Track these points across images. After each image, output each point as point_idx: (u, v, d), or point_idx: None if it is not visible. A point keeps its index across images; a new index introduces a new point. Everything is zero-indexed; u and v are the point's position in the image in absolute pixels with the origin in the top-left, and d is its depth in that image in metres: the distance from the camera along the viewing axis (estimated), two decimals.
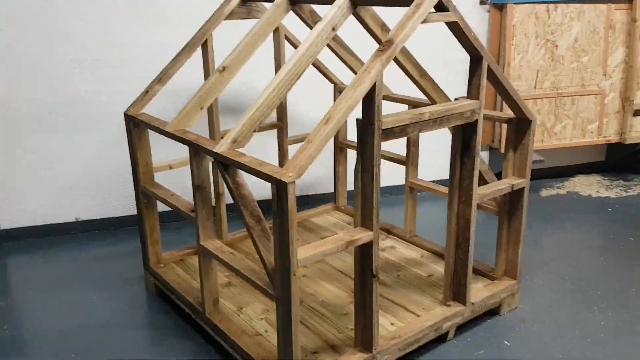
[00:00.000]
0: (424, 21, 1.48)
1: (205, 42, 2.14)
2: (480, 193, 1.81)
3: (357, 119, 1.49)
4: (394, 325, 1.84)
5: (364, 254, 1.57)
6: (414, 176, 2.34)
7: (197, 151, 1.71)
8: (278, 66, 2.37)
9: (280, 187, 1.34)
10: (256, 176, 1.43)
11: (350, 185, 2.91)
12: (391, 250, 2.35)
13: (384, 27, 1.84)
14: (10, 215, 2.70)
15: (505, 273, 2.07)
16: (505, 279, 2.06)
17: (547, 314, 2.05)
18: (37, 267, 2.49)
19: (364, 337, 1.66)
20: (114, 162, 2.73)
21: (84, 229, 2.80)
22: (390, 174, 2.75)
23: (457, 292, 1.90)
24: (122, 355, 1.87)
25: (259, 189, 2.92)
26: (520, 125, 1.90)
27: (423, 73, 1.95)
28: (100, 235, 2.78)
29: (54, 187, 2.71)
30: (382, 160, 1.57)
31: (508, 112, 1.91)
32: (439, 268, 2.19)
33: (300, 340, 1.51)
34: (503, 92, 1.79)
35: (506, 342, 1.90)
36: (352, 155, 2.62)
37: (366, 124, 1.47)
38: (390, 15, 1.88)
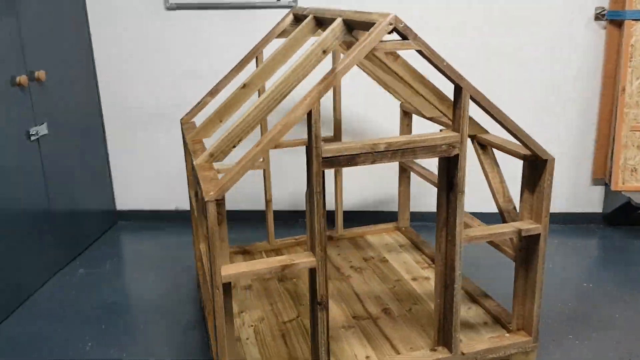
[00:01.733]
0: (373, 50, 1.41)
1: (257, 58, 2.27)
2: (470, 235, 1.65)
3: (306, 147, 1.48)
4: (369, 359, 1.77)
5: (311, 280, 1.56)
6: None
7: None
8: None
9: (203, 205, 1.42)
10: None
11: (413, 207, 2.81)
12: (423, 281, 2.23)
13: (390, 53, 1.77)
14: (124, 199, 3.16)
15: (521, 328, 1.84)
16: (520, 333, 1.83)
17: None
18: (143, 244, 2.90)
19: None
20: None
21: (181, 217, 3.16)
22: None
23: (445, 338, 1.75)
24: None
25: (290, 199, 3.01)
26: (536, 164, 1.67)
27: (443, 98, 1.83)
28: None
29: (159, 178, 3.10)
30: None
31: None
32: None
33: (239, 354, 1.56)
34: (503, 126, 1.60)
35: None
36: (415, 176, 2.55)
37: (309, 151, 1.46)
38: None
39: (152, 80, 2.93)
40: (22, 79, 2.30)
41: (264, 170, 2.46)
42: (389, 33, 1.45)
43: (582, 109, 2.78)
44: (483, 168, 1.91)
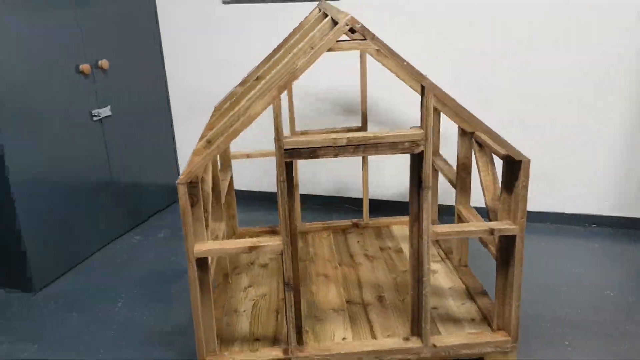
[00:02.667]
0: (331, 50, 1.49)
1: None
2: (438, 231, 1.68)
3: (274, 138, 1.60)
4: (345, 340, 1.87)
5: (282, 262, 1.69)
6: (463, 202, 2.18)
7: None
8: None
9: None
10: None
11: (441, 199, 2.80)
12: (431, 274, 2.26)
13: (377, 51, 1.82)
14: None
15: (501, 327, 1.83)
16: (499, 333, 1.83)
17: None
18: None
19: (288, 341, 1.77)
20: None
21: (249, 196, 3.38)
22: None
23: (418, 329, 1.80)
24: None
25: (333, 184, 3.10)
26: (513, 165, 1.66)
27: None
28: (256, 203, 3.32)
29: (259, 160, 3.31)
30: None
31: None
32: (452, 302, 2.05)
33: (208, 324, 1.74)
34: (473, 126, 1.61)
35: None
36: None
37: (275, 142, 1.58)
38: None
39: (215, 68, 3.17)
40: (85, 67, 2.62)
41: None
42: (352, 33, 1.52)
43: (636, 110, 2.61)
44: (477, 165, 1.91)
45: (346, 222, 2.68)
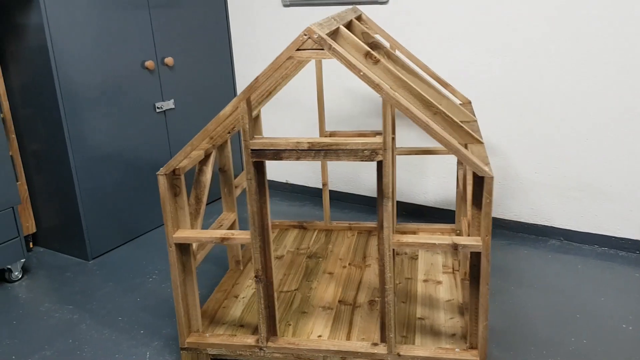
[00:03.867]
0: (291, 58, 1.56)
1: None
2: (400, 241, 1.69)
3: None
4: (320, 337, 1.93)
5: (252, 256, 1.80)
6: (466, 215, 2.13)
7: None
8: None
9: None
10: None
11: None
12: (432, 284, 2.24)
13: (368, 55, 1.85)
14: None
15: (473, 346, 1.79)
16: (469, 352, 1.79)
17: None
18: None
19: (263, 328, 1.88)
20: None
21: (291, 189, 3.55)
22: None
23: (384, 336, 1.82)
24: None
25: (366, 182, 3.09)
26: (478, 180, 1.62)
27: (436, 111, 1.85)
28: (308, 198, 3.47)
29: None
30: None
31: None
32: (442, 315, 2.02)
33: (192, 305, 1.90)
34: (435, 138, 1.59)
35: None
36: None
37: (242, 143, 1.69)
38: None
39: None
40: (149, 63, 2.91)
41: None
42: (318, 48, 1.58)
43: None
44: (464, 179, 1.88)
45: (372, 224, 2.72)
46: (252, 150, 1.67)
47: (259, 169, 1.72)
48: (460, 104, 2.47)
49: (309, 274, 2.36)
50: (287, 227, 2.80)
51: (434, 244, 1.67)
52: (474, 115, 2.30)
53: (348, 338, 1.93)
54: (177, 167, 1.77)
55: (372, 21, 2.42)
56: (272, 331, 1.90)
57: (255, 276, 1.80)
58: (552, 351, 1.95)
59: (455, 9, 2.68)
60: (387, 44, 2.80)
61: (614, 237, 2.61)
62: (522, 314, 2.16)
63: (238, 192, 2.36)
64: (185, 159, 1.79)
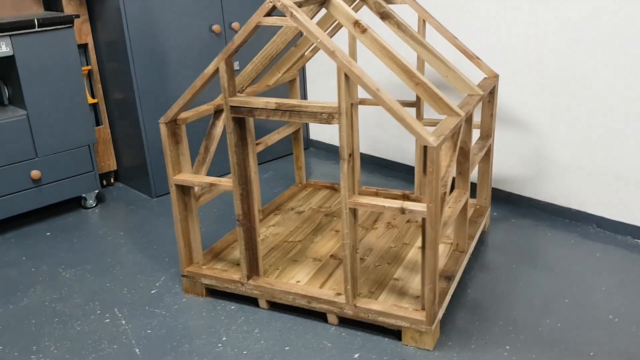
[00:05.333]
0: (259, 24, 1.73)
1: None
2: (356, 201, 1.81)
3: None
4: (297, 283, 2.12)
5: (234, 202, 2.03)
6: (461, 186, 2.16)
7: None
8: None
9: None
10: None
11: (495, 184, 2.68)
12: None
13: (356, 24, 1.95)
14: (317, 132, 3.88)
15: (424, 308, 1.87)
16: (420, 312, 1.87)
17: None
18: (319, 168, 3.63)
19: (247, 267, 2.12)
20: None
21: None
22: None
23: (346, 287, 1.96)
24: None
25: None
26: (424, 149, 1.67)
27: (418, 82, 1.93)
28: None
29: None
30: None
31: None
32: (417, 279, 2.11)
33: (194, 239, 2.18)
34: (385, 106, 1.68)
35: None
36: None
37: (223, 100, 1.90)
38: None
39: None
40: (216, 27, 3.21)
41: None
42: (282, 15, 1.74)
43: None
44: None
45: (399, 192, 2.80)
46: (230, 106, 1.88)
47: (240, 124, 1.93)
48: (485, 77, 2.46)
49: (318, 229, 2.54)
50: (320, 187, 2.98)
51: (384, 206, 1.77)
52: (493, 89, 2.29)
53: (321, 287, 2.10)
54: (178, 118, 2.03)
55: None
56: (254, 271, 2.13)
57: (237, 220, 2.03)
58: (518, 329, 1.96)
59: None
60: (415, 14, 2.83)
61: None
62: (509, 291, 2.17)
63: (260, 147, 2.57)
64: (187, 112, 2.05)
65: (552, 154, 2.66)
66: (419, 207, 1.72)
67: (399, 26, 2.22)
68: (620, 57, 2.34)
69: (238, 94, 1.93)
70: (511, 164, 2.82)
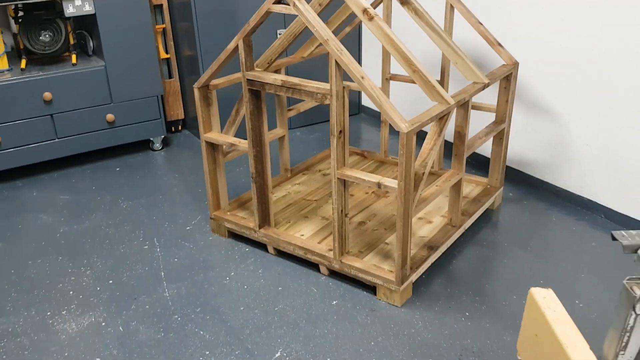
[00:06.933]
0: (269, 10, 2.00)
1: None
2: (343, 172, 2.07)
3: None
4: (301, 235, 2.44)
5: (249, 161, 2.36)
6: (457, 168, 2.35)
7: None
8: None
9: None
10: None
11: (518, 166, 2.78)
12: (424, 223, 2.54)
13: (365, 11, 2.15)
14: None
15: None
16: (392, 273, 2.13)
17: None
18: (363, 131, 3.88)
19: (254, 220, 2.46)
20: None
21: None
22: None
23: (334, 243, 2.25)
24: None
25: None
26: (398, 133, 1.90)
27: (415, 69, 2.13)
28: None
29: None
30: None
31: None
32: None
33: (222, 188, 2.55)
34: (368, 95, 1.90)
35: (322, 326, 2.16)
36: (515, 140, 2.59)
37: (242, 73, 2.21)
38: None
39: None
40: None
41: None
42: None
43: None
44: (430, 132, 2.13)
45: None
46: (247, 79, 2.18)
47: (256, 95, 2.23)
48: (503, 64, 2.58)
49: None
50: (351, 153, 3.24)
51: (364, 179, 2.03)
52: (509, 76, 2.41)
53: (320, 242, 2.41)
54: (210, 84, 2.37)
55: None
56: (266, 221, 2.47)
57: (252, 177, 2.36)
58: (484, 300, 2.17)
59: None
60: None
61: None
62: (491, 267, 2.36)
63: (292, 113, 2.87)
64: (219, 79, 2.38)
65: (571, 143, 2.74)
66: (393, 183, 1.96)
67: (417, 12, 2.39)
68: None
69: (256, 69, 2.22)
70: (535, 149, 2.92)
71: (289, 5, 1.96)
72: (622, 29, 2.40)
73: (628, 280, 1.10)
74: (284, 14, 3.55)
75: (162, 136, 3.57)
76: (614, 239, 1.17)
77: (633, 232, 1.16)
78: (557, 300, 1.05)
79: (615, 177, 2.59)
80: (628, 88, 2.44)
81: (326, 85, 2.00)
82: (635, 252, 1.14)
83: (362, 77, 1.90)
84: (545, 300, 1.04)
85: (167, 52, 3.66)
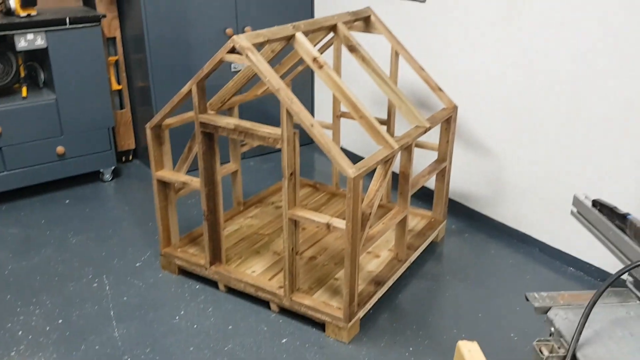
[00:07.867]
0: (222, 59, 2.07)
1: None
2: (294, 213, 2.15)
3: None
4: (252, 272, 2.50)
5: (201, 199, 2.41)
6: (401, 205, 2.47)
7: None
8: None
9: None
10: None
11: (459, 199, 2.93)
12: (372, 258, 2.64)
13: (315, 60, 2.26)
14: None
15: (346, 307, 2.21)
16: (340, 310, 2.22)
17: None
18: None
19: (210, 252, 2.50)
20: None
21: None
22: None
23: (284, 279, 2.32)
24: None
25: None
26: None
27: (361, 115, 2.23)
28: None
29: None
30: None
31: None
32: None
33: (172, 224, 2.58)
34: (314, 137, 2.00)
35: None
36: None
37: (195, 115, 2.27)
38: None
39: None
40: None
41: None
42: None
43: None
44: (376, 175, 2.24)
45: None
46: (200, 122, 2.24)
47: (209, 137, 2.29)
48: (443, 108, 2.73)
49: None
50: (303, 185, 3.32)
51: (315, 220, 2.11)
52: (449, 119, 2.55)
53: (271, 279, 2.47)
54: (162, 124, 2.41)
55: (381, 22, 2.74)
56: (217, 258, 2.51)
57: (203, 215, 2.41)
58: (426, 334, 2.27)
59: (487, 15, 2.81)
60: (389, 45, 3.08)
61: (580, 259, 2.69)
62: (434, 300, 2.47)
63: (245, 148, 2.94)
64: (172, 118, 2.43)
65: (506, 179, 2.90)
66: (341, 224, 2.05)
67: (364, 59, 2.51)
68: (575, 94, 2.56)
69: (209, 110, 2.29)
70: (475, 183, 3.08)
71: (241, 55, 2.04)
72: (549, 76, 2.59)
73: (537, 342, 1.21)
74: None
75: (113, 167, 3.57)
76: (527, 299, 1.28)
77: (544, 293, 1.28)
78: (480, 354, 1.15)
79: (547, 212, 2.76)
80: (556, 128, 2.62)
81: (277, 130, 2.08)
82: (546, 313, 1.25)
83: (312, 125, 1.99)
84: (470, 353, 1.14)
85: (119, 84, 3.67)
